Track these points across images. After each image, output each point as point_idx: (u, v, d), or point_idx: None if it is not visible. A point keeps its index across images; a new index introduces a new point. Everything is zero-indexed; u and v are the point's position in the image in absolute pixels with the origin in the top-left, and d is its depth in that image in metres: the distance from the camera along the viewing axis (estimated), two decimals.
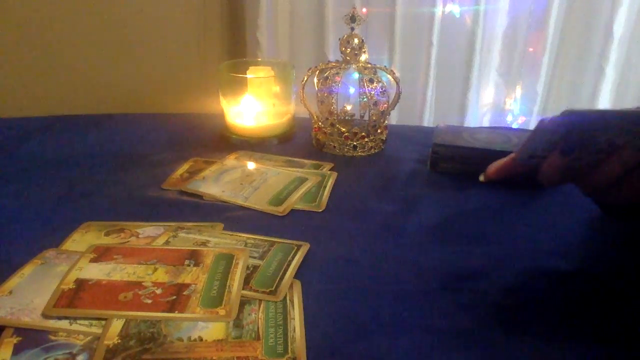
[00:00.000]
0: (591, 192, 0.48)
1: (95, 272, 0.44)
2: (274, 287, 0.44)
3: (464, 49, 1.22)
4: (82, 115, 0.86)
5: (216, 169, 0.66)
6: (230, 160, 0.69)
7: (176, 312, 0.40)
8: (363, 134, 0.72)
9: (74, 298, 0.41)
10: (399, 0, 1.18)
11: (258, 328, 0.39)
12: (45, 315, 0.39)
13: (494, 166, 0.49)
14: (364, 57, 0.72)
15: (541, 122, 0.43)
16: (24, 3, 1.10)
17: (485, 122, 1.32)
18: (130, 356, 0.36)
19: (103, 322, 0.39)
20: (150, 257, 0.46)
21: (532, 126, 1.24)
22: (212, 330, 0.39)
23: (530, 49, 1.22)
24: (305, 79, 0.73)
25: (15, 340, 0.37)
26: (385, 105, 0.71)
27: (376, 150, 0.74)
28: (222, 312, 0.40)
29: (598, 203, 0.53)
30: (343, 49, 0.71)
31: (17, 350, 0.36)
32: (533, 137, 0.45)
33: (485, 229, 0.55)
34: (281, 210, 0.57)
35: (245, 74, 0.76)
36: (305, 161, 0.70)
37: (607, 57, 1.17)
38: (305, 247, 0.50)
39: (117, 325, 0.38)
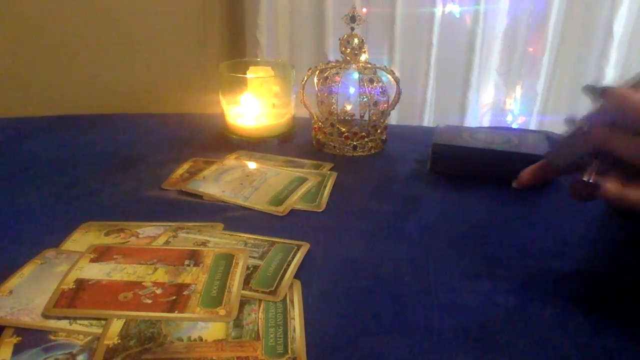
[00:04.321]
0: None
1: (95, 272, 0.44)
2: (274, 287, 0.44)
3: (464, 49, 1.22)
4: (82, 115, 0.86)
5: (216, 169, 0.67)
6: (230, 160, 0.69)
7: (176, 312, 0.40)
8: (363, 134, 0.72)
9: (74, 298, 0.41)
10: (399, 0, 1.18)
11: (258, 328, 0.39)
12: (45, 315, 0.39)
13: (527, 172, 0.49)
14: (364, 57, 0.72)
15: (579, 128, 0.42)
16: (24, 3, 1.10)
17: (485, 122, 1.32)
18: (130, 356, 0.36)
19: (103, 322, 0.39)
20: (150, 257, 0.46)
21: (532, 126, 1.25)
22: (212, 330, 0.39)
23: (530, 49, 1.22)
24: (305, 79, 0.73)
25: (15, 340, 0.37)
26: (385, 105, 0.71)
27: (376, 150, 0.74)
28: (222, 312, 0.40)
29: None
30: (343, 49, 0.71)
31: (17, 350, 0.36)
32: (568, 142, 0.44)
33: (485, 229, 0.55)
34: (281, 210, 0.57)
35: (245, 74, 0.76)
36: (305, 161, 0.70)
37: (607, 57, 1.17)
38: (305, 247, 0.50)
39: (117, 325, 0.38)
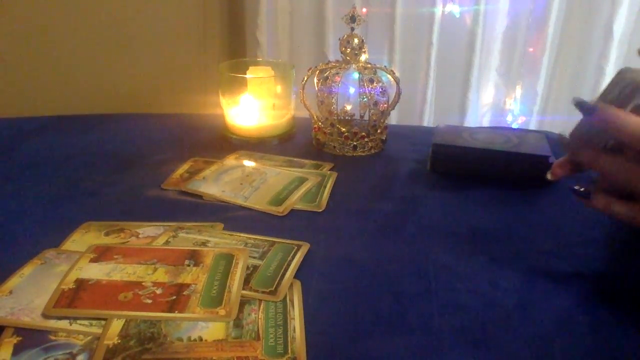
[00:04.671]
0: None
1: (95, 272, 0.44)
2: (274, 287, 0.44)
3: (464, 49, 1.22)
4: (82, 115, 0.86)
5: (216, 169, 0.67)
6: (230, 160, 0.69)
7: (176, 312, 0.40)
8: (363, 134, 0.72)
9: (74, 298, 0.41)
10: (399, 0, 1.18)
11: (258, 328, 0.39)
12: (45, 315, 0.39)
13: (559, 163, 0.50)
14: (364, 57, 0.72)
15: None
16: (24, 3, 1.10)
17: (485, 122, 1.32)
18: (130, 356, 0.36)
19: (103, 322, 0.39)
20: (150, 257, 0.46)
21: (532, 126, 1.25)
22: (212, 330, 0.39)
23: (530, 49, 1.22)
24: (305, 79, 0.73)
25: (15, 340, 0.37)
26: (385, 105, 0.71)
27: (376, 150, 0.74)
28: (222, 312, 0.40)
29: None
30: (343, 49, 0.71)
31: (17, 350, 0.36)
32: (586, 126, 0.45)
33: (485, 229, 0.55)
34: (281, 210, 0.57)
35: (245, 74, 0.76)
36: (305, 161, 0.70)
37: (607, 57, 1.17)
38: (305, 247, 0.50)
39: (117, 325, 0.38)
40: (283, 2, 1.22)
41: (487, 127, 1.15)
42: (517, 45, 1.24)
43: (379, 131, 0.73)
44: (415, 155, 0.72)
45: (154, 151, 0.72)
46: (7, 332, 0.38)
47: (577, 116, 0.45)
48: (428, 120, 1.29)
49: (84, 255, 0.46)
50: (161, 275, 0.44)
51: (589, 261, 0.50)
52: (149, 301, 0.41)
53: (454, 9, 1.20)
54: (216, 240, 0.50)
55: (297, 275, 0.45)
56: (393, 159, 0.73)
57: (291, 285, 0.44)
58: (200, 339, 0.38)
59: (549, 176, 0.51)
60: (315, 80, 0.73)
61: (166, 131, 0.80)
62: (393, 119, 1.24)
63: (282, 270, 0.46)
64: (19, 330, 0.38)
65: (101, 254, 0.47)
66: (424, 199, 0.61)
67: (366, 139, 0.72)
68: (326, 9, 1.21)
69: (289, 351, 0.37)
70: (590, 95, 1.21)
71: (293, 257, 0.48)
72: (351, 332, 0.40)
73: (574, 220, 0.56)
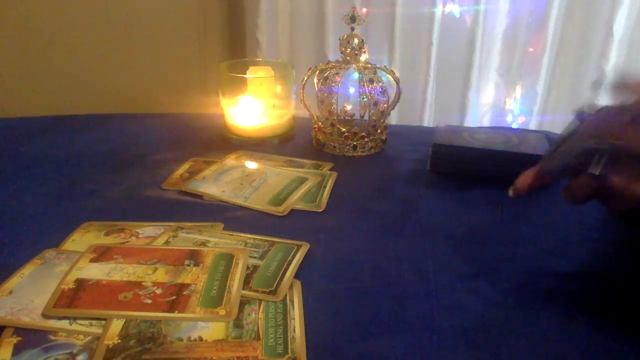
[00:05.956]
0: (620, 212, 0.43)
1: (95, 272, 0.44)
2: (274, 287, 0.44)
3: (464, 49, 1.22)
4: (82, 115, 0.86)
5: (216, 169, 0.67)
6: (230, 160, 0.69)
7: (176, 312, 0.40)
8: (363, 134, 0.72)
9: (74, 298, 0.41)
10: (399, 0, 1.18)
11: (258, 328, 0.39)
12: (45, 315, 0.39)
13: (522, 180, 0.48)
14: (364, 57, 0.72)
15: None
16: (24, 3, 1.10)
17: (485, 122, 1.32)
18: (130, 356, 0.36)
19: (103, 322, 0.39)
20: (150, 257, 0.46)
21: (532, 126, 1.25)
22: (212, 330, 0.39)
23: (530, 49, 1.22)
24: (305, 79, 0.73)
25: (15, 340, 0.37)
26: (385, 105, 0.71)
27: (376, 150, 0.74)
28: (222, 312, 0.40)
29: (623, 219, 0.48)
30: (343, 49, 0.71)
31: (17, 350, 0.36)
32: (564, 143, 0.44)
33: (485, 228, 0.55)
34: (281, 210, 0.57)
35: (245, 74, 0.76)
36: (305, 161, 0.70)
37: (607, 57, 1.17)
38: (305, 247, 0.50)
39: (117, 325, 0.38)
40: (283, 2, 1.22)
41: (487, 127, 1.15)
42: (517, 45, 1.23)
43: (379, 131, 0.73)
44: (415, 155, 0.72)
45: (154, 151, 0.72)
46: (7, 332, 0.38)
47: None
48: (428, 120, 1.29)
49: (84, 255, 0.46)
50: (161, 275, 0.44)
51: (589, 261, 0.50)
52: (149, 301, 0.41)
53: (454, 9, 1.20)
54: (216, 240, 0.50)
55: (297, 275, 0.45)
56: (393, 159, 0.73)
57: (291, 285, 0.44)
58: (200, 339, 0.38)
59: (510, 194, 0.49)
60: (315, 80, 0.73)
61: (166, 131, 0.80)
62: (393, 119, 1.24)
63: (282, 270, 0.46)
64: (19, 330, 0.38)
65: (101, 254, 0.47)
66: (423, 199, 0.61)
67: (366, 139, 0.72)
68: (326, 9, 1.21)
69: (289, 351, 0.37)
70: (589, 96, 1.21)
71: (293, 257, 0.48)
72: (351, 332, 0.40)
73: (574, 220, 0.56)
